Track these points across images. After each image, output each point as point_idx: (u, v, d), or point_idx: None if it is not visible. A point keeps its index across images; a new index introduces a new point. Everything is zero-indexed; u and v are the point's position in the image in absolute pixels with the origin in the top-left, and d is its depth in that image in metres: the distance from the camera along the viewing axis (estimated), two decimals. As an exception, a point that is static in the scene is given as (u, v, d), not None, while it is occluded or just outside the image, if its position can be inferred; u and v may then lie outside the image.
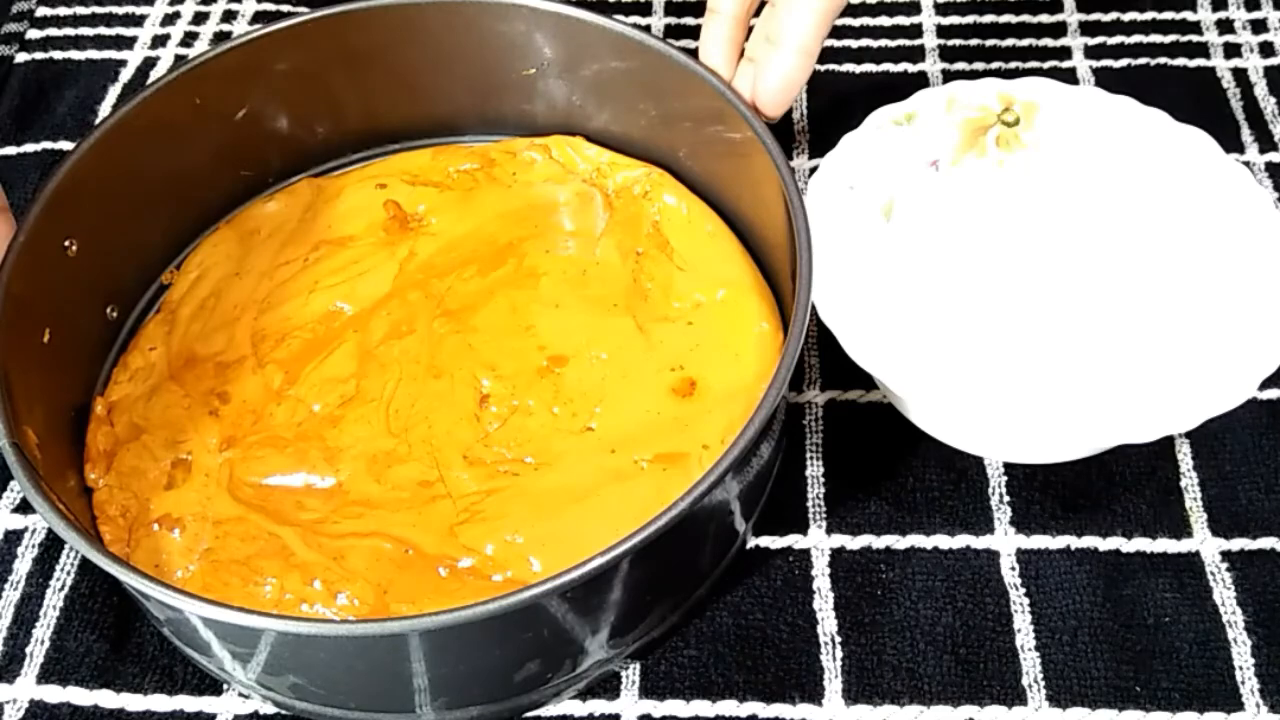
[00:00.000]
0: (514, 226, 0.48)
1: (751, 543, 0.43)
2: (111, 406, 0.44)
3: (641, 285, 0.46)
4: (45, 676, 0.41)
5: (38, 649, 0.41)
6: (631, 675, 0.40)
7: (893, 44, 0.59)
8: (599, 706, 0.40)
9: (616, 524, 0.36)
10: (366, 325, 0.45)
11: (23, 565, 0.43)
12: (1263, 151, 0.54)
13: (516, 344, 0.44)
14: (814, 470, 0.45)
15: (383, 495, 0.41)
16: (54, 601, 0.42)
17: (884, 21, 0.60)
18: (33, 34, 0.62)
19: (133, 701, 0.40)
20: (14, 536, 0.44)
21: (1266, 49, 0.58)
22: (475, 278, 0.47)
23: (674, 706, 0.40)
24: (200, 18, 0.62)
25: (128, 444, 0.43)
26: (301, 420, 0.43)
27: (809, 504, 0.44)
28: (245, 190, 0.50)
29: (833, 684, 0.40)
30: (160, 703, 0.40)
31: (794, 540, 0.43)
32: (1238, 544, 0.42)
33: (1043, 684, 0.40)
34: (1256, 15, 0.59)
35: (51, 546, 0.44)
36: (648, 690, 0.40)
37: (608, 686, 0.40)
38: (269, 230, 0.49)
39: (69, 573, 0.43)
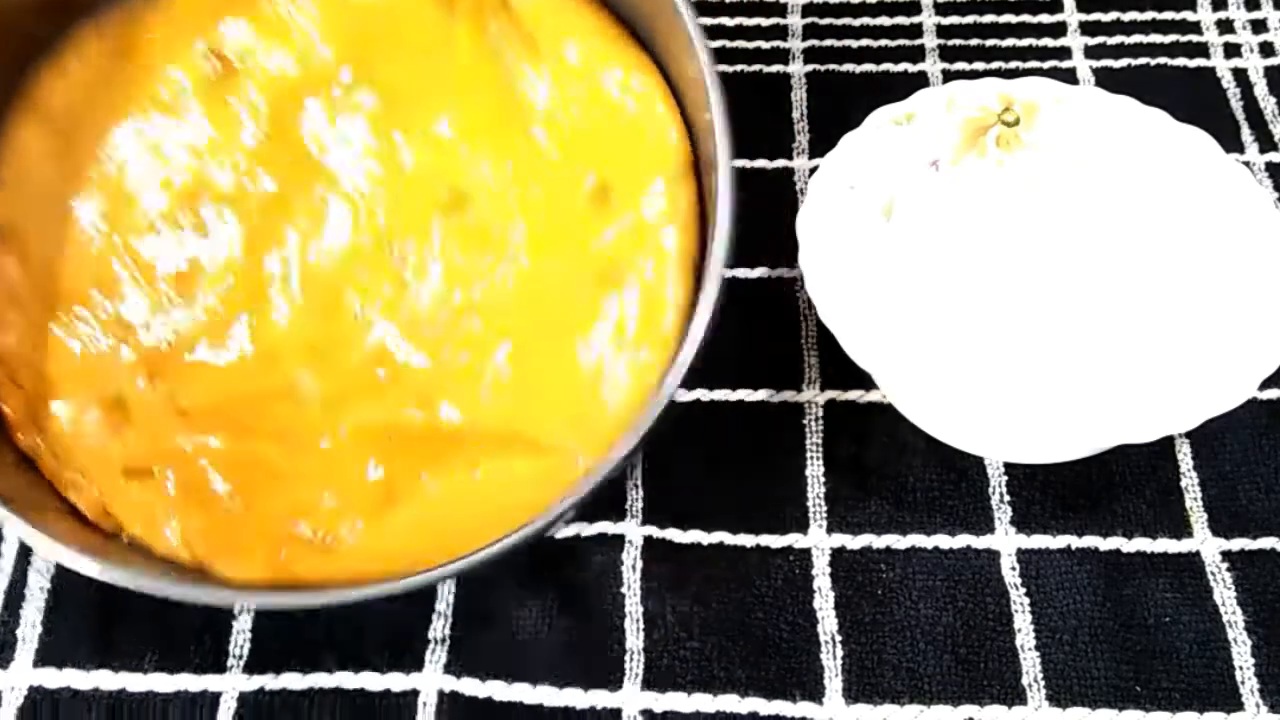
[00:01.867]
0: (352, 45, 0.42)
1: (752, 542, 0.43)
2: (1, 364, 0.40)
3: (516, 87, 0.42)
4: (41, 660, 0.40)
5: (30, 633, 0.41)
6: (634, 668, 0.40)
7: (893, 44, 0.59)
8: (600, 699, 0.40)
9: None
10: (237, 198, 0.41)
11: (8, 548, 0.43)
12: (1263, 151, 0.54)
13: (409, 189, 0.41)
14: (814, 470, 0.45)
15: (342, 386, 0.39)
16: (39, 584, 0.42)
17: (884, 21, 0.60)
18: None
19: (133, 681, 0.40)
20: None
21: (1266, 49, 0.58)
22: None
23: (675, 700, 0.40)
24: None
25: (44, 400, 0.40)
26: (215, 324, 0.40)
27: (809, 503, 0.44)
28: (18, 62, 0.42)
29: (833, 683, 0.40)
30: (162, 682, 0.40)
31: (794, 540, 0.43)
32: (1238, 544, 0.42)
33: (1043, 684, 0.40)
34: (1256, 15, 0.59)
35: None
36: (650, 683, 0.40)
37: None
38: (78, 111, 0.42)
39: None
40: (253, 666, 0.40)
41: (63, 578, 0.42)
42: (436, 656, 0.40)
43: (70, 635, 0.41)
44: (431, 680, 0.40)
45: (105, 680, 0.40)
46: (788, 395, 0.46)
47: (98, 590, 0.41)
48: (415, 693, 0.40)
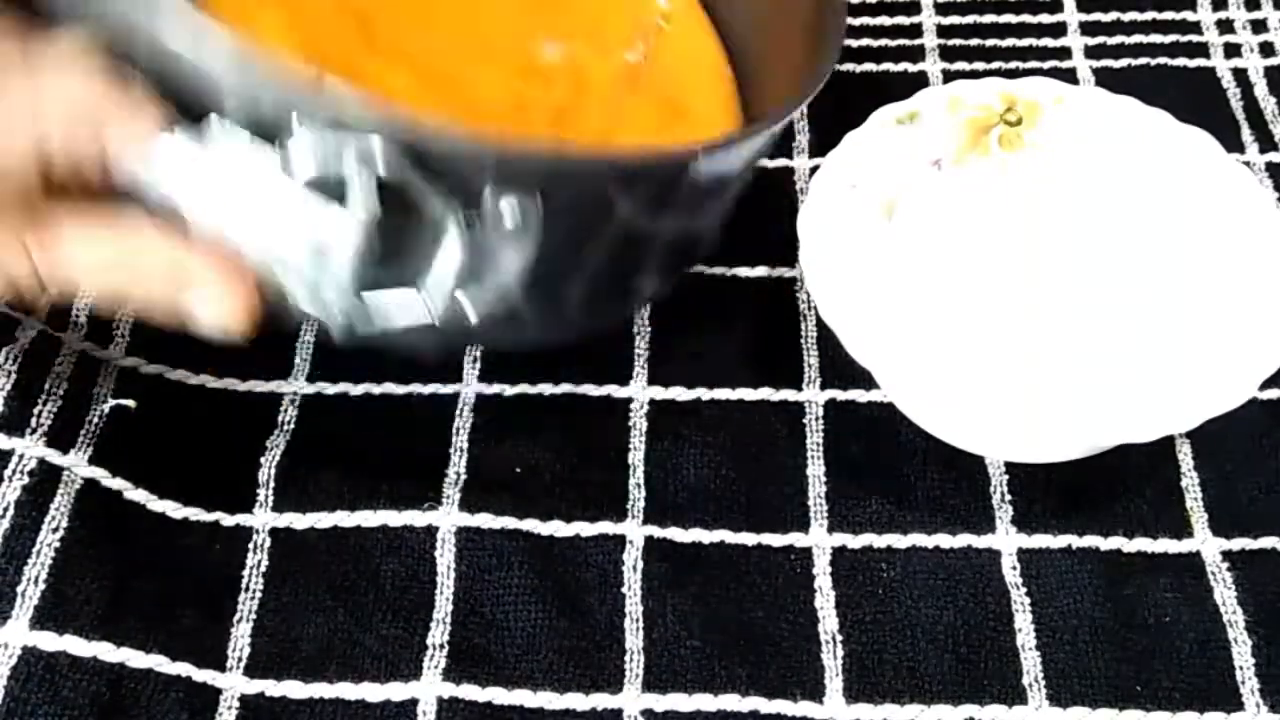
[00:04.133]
0: None
1: (753, 541, 0.43)
2: None
3: None
4: (40, 622, 0.39)
5: (31, 589, 0.39)
6: (635, 668, 0.40)
7: (893, 44, 0.59)
8: (601, 701, 0.40)
9: None
10: None
11: (10, 493, 0.40)
12: (1263, 151, 0.54)
13: None
14: (814, 470, 0.45)
15: None
16: (48, 539, 0.40)
17: (884, 21, 0.60)
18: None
19: (135, 658, 0.39)
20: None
21: (1266, 49, 0.58)
22: None
23: (676, 700, 0.40)
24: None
25: None
26: None
27: (810, 503, 0.44)
28: None
29: (833, 682, 0.40)
30: (163, 664, 0.39)
31: (795, 539, 0.43)
32: (1238, 544, 0.42)
33: (1043, 683, 0.40)
34: (1256, 15, 0.59)
35: (45, 479, 0.41)
36: (650, 684, 0.40)
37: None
38: None
39: (63, 512, 0.40)
40: (254, 670, 0.40)
41: (73, 542, 0.40)
42: (435, 663, 0.40)
43: (75, 601, 0.39)
44: (430, 688, 0.40)
45: (106, 652, 0.39)
46: (788, 395, 0.46)
47: (107, 562, 0.40)
48: (414, 701, 0.39)
